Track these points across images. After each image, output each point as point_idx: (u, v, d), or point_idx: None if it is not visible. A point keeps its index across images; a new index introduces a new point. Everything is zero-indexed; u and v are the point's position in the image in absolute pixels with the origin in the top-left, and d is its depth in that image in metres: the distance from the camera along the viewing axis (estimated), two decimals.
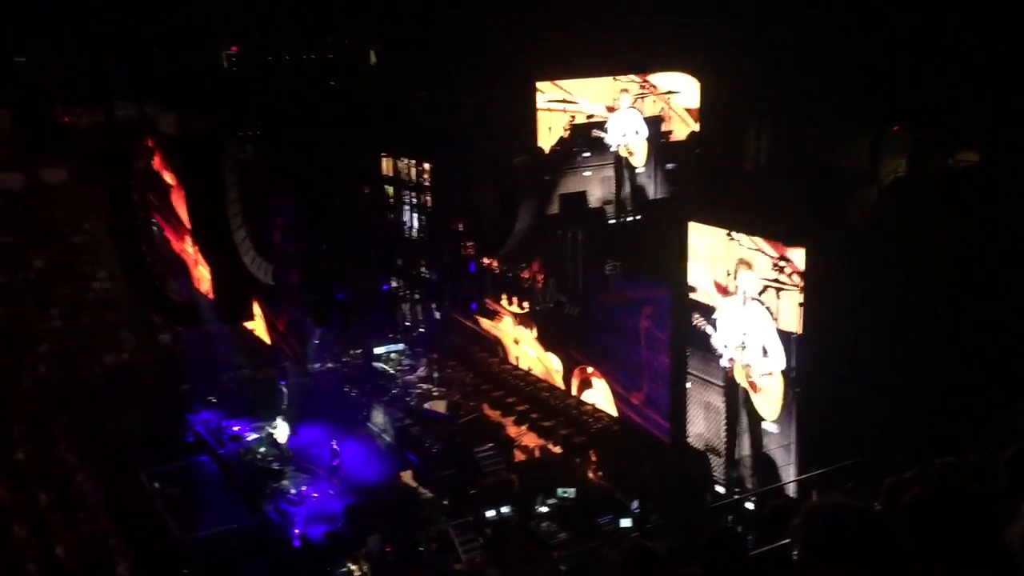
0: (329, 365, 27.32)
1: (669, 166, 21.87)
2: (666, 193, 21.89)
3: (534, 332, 25.01)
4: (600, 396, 22.85)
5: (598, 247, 20.52)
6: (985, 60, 14.72)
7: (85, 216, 28.22)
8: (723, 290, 17.43)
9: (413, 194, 23.18)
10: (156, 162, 25.01)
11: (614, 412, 22.17)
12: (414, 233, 23.31)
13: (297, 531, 19.63)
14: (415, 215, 23.26)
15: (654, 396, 20.39)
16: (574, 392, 23.86)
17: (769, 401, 16.90)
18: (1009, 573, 3.13)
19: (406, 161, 22.95)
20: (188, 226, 23.78)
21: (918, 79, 15.73)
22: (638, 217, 21.56)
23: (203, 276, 24.74)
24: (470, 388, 26.27)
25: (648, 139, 21.51)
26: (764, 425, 17.10)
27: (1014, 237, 14.15)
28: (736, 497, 17.28)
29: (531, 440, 23.36)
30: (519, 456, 22.59)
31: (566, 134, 20.77)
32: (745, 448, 17.63)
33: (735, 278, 17.02)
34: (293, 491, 21.13)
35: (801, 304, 15.74)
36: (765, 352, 16.62)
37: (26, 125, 27.71)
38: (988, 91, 14.84)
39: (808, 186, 17.19)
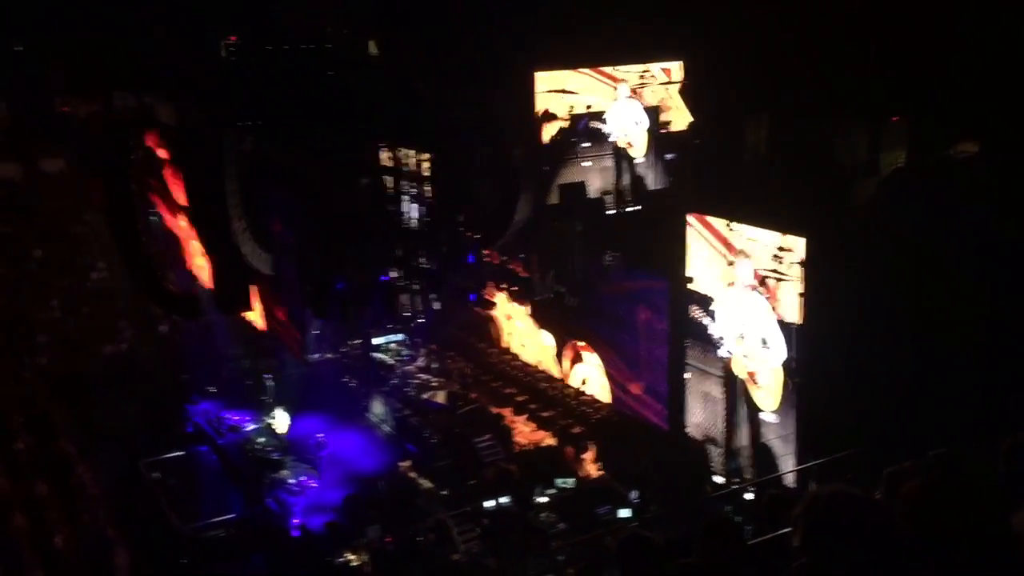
0: (328, 355, 27.29)
1: (668, 157, 21.87)
2: (665, 184, 21.89)
3: (527, 307, 24.94)
4: (591, 370, 22.91)
5: (597, 238, 20.50)
6: (985, 50, 14.70)
7: (84, 206, 28.21)
8: (722, 281, 17.43)
9: (412, 185, 23.17)
10: (155, 150, 24.96)
11: (607, 385, 22.23)
12: (413, 224, 23.31)
13: (296, 521, 19.65)
14: (414, 206, 23.26)
15: (653, 386, 20.39)
16: (566, 367, 23.88)
17: (768, 392, 16.91)
18: (1008, 560, 3.14)
19: (405, 152, 22.93)
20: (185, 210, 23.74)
21: (917, 70, 15.71)
22: (637, 208, 21.57)
23: (201, 265, 24.76)
24: (470, 379, 26.27)
25: (647, 129, 21.50)
26: (763, 416, 17.11)
27: (1014, 228, 14.14)
28: (734, 487, 17.28)
29: (529, 433, 23.34)
30: (519, 442, 22.55)
31: (566, 123, 20.79)
32: (743, 438, 17.64)
33: (734, 268, 17.01)
34: (292, 481, 21.15)
35: (801, 294, 15.73)
36: (764, 343, 16.62)
37: (25, 115, 27.68)
38: (988, 81, 14.82)
39: (807, 177, 17.17)
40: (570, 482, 20.33)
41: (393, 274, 23.13)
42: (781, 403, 16.64)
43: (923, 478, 3.48)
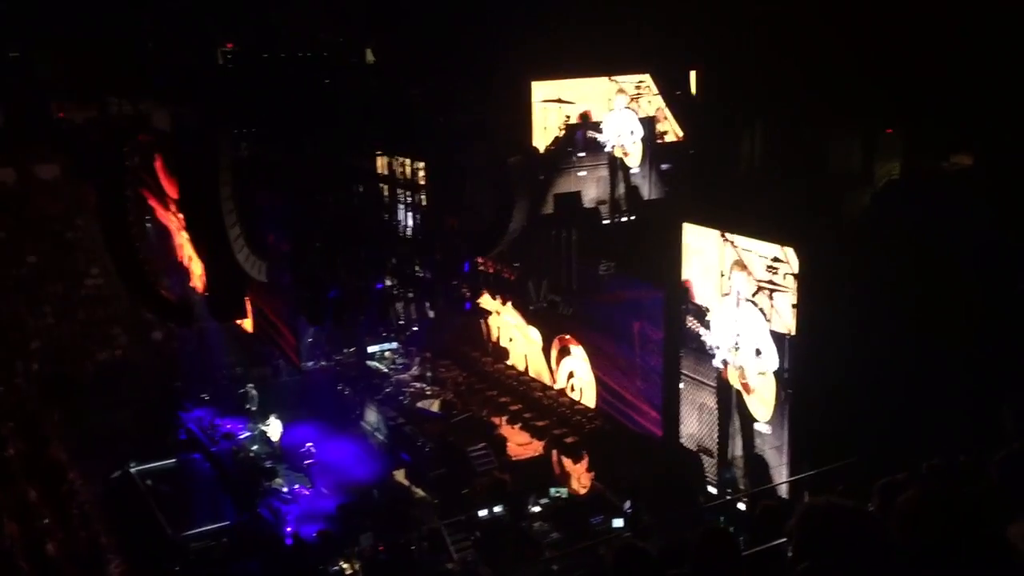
0: (322, 363, 27.26)
1: (664, 167, 21.92)
2: (660, 194, 21.94)
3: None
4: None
5: (592, 247, 20.52)
6: (979, 62, 14.78)
7: (78, 212, 28.18)
8: (717, 291, 17.45)
9: (407, 193, 23.18)
10: (151, 159, 24.94)
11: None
12: (408, 232, 23.31)
13: (289, 529, 19.58)
14: (409, 214, 23.27)
15: (647, 396, 20.39)
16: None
17: (762, 402, 16.93)
18: (1003, 571, 3.14)
19: (401, 159, 22.94)
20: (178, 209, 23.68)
21: (912, 81, 15.78)
22: (632, 217, 21.60)
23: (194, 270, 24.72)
24: (463, 387, 26.25)
25: (643, 140, 21.56)
26: (756, 426, 17.13)
27: (1008, 239, 14.20)
28: (728, 498, 17.28)
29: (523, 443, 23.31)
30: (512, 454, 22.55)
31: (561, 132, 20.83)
32: (737, 449, 17.65)
33: (729, 279, 17.03)
34: (285, 489, 21.09)
35: (794, 305, 15.76)
36: (758, 353, 16.64)
37: (20, 120, 27.64)
38: (982, 93, 14.89)
39: (802, 188, 17.22)
40: (564, 491, 20.32)
41: (387, 282, 23.12)
42: (774, 414, 16.65)
43: (917, 489, 3.49)
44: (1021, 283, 14.18)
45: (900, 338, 14.48)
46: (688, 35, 19.50)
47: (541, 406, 24.33)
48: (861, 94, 16.55)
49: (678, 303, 18.41)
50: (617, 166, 21.64)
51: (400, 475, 21.64)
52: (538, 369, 24.99)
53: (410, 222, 23.24)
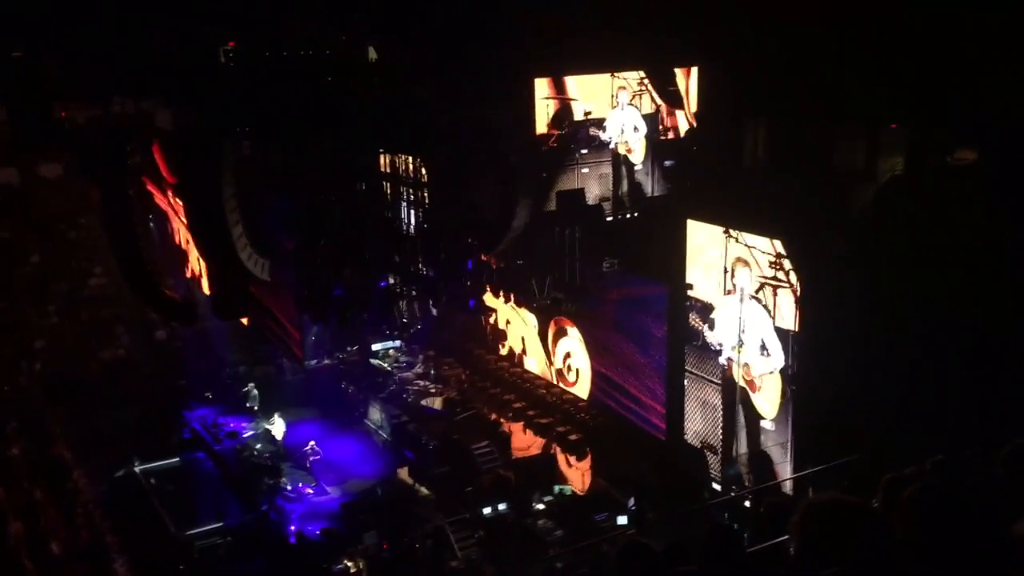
0: (326, 362, 27.29)
1: (667, 163, 21.86)
2: (664, 190, 21.88)
3: None
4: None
5: (596, 244, 20.48)
6: (983, 57, 14.72)
7: (81, 212, 28.26)
8: (721, 288, 17.42)
9: (410, 190, 23.15)
10: (154, 156, 24.98)
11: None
12: (411, 230, 23.29)
13: (293, 528, 19.60)
14: (412, 212, 23.24)
15: (651, 393, 20.37)
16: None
17: (767, 399, 16.90)
18: (1008, 567, 3.12)
19: (404, 157, 22.91)
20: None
21: (916, 77, 15.72)
22: (636, 214, 21.55)
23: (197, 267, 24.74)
24: (467, 384, 26.26)
25: (646, 136, 21.51)
26: (761, 423, 17.10)
27: (1011, 235, 14.14)
28: (733, 495, 17.26)
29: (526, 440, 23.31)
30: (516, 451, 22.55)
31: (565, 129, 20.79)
32: (742, 446, 17.62)
33: (733, 276, 17.00)
34: (289, 488, 21.11)
35: (797, 301, 15.73)
36: (763, 350, 16.61)
37: (23, 120, 27.67)
38: (986, 89, 14.84)
39: (806, 184, 17.17)
40: (568, 489, 20.31)
41: (391, 280, 23.10)
42: (779, 410, 16.63)
43: (921, 484, 3.46)
44: None
45: (905, 334, 14.45)
46: (690, 32, 19.44)
47: (545, 403, 24.33)
48: (865, 89, 16.49)
49: (682, 299, 18.39)
50: (620, 163, 21.60)
51: (404, 473, 21.66)
52: (535, 350, 25.01)
53: (413, 220, 23.22)
